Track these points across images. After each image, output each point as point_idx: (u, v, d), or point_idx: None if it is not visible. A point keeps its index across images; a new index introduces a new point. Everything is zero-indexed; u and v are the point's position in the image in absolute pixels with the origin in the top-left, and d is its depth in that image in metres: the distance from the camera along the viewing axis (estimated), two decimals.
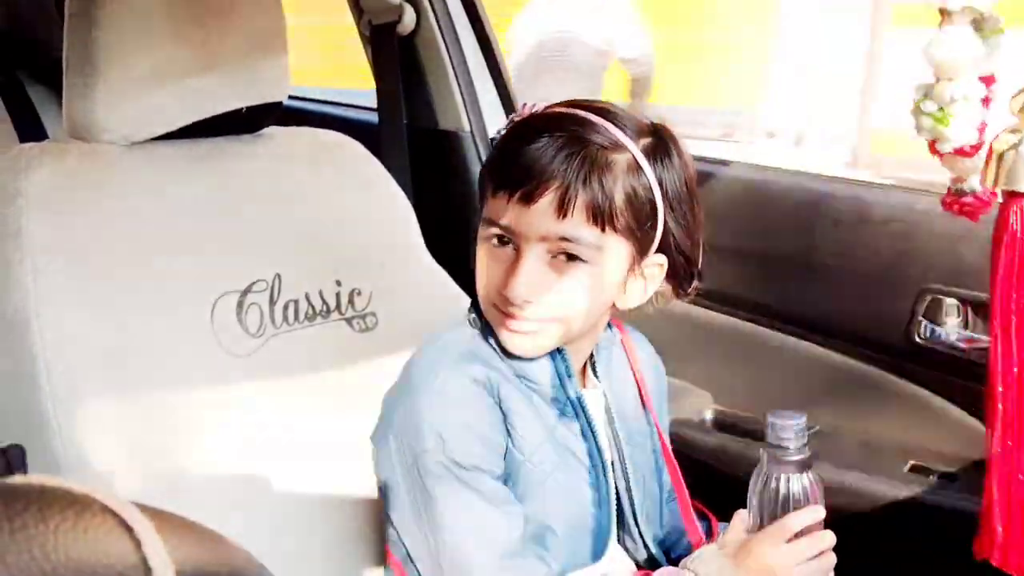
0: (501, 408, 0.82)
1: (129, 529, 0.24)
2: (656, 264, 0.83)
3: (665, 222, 0.80)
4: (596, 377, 0.92)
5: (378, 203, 1.20)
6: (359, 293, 1.11)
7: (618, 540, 0.94)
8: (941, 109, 0.54)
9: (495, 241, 0.80)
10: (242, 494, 0.96)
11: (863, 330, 1.20)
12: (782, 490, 0.77)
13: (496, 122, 1.64)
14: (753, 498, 0.79)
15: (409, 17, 1.56)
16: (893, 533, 1.13)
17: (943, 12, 0.54)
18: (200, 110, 1.03)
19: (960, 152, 0.55)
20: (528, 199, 0.76)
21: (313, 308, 1.07)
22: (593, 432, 0.87)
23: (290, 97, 1.14)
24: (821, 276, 1.22)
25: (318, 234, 1.11)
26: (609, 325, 0.93)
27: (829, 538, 0.80)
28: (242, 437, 0.97)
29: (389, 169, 1.24)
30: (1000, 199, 0.56)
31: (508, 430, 0.82)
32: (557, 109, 0.81)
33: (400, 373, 0.87)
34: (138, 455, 0.91)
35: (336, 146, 1.21)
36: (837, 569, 1.16)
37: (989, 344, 0.57)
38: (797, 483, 0.77)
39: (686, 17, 5.43)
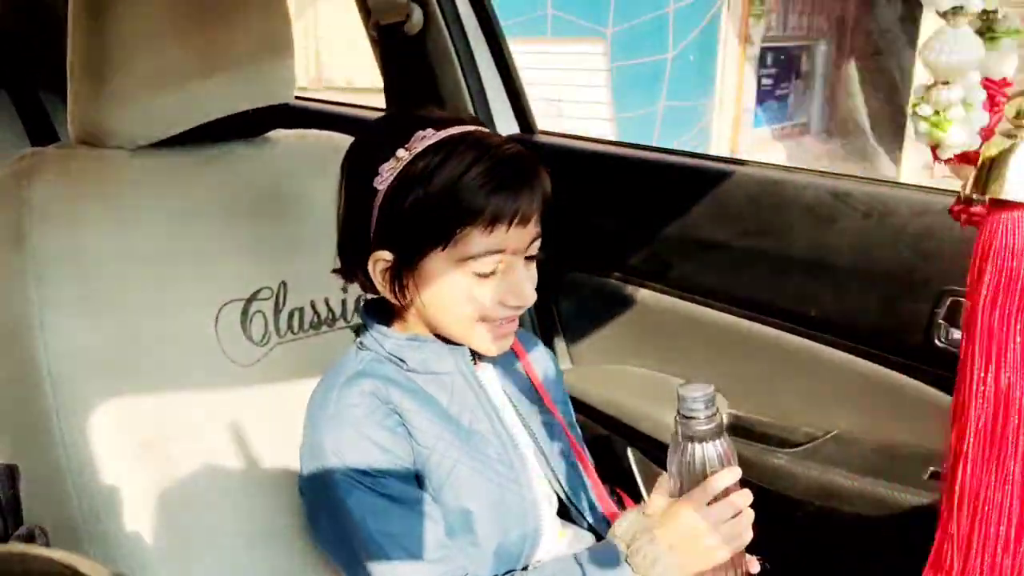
0: (397, 412, 0.86)
1: None
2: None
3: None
4: (485, 365, 0.96)
5: None
6: (366, 301, 1.10)
7: (569, 515, 0.97)
8: (937, 113, 0.52)
9: (486, 272, 0.84)
10: (243, 500, 0.95)
11: (881, 333, 1.17)
12: (698, 456, 0.80)
13: (506, 122, 1.63)
14: (672, 466, 0.82)
15: (417, 17, 1.55)
16: (911, 542, 1.11)
17: (939, 13, 0.51)
18: (206, 113, 1.02)
19: (962, 159, 0.53)
20: (528, 219, 0.84)
21: (319, 316, 1.06)
22: (496, 411, 0.91)
23: (296, 97, 1.13)
24: (838, 277, 1.20)
25: (324, 240, 1.08)
26: None
27: (746, 496, 0.84)
28: (245, 444, 0.96)
29: None
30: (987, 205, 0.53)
31: (408, 431, 0.85)
32: (465, 131, 0.84)
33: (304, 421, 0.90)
34: (140, 464, 0.90)
35: (342, 148, 1.17)
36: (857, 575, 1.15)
37: (960, 366, 0.52)
38: (712, 448, 0.81)
39: None
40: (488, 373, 0.95)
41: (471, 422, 0.89)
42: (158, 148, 1.01)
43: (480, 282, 0.84)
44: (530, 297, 0.86)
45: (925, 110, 0.52)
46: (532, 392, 0.99)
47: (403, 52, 1.61)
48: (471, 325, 0.87)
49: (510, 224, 0.82)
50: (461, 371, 0.91)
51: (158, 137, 1.01)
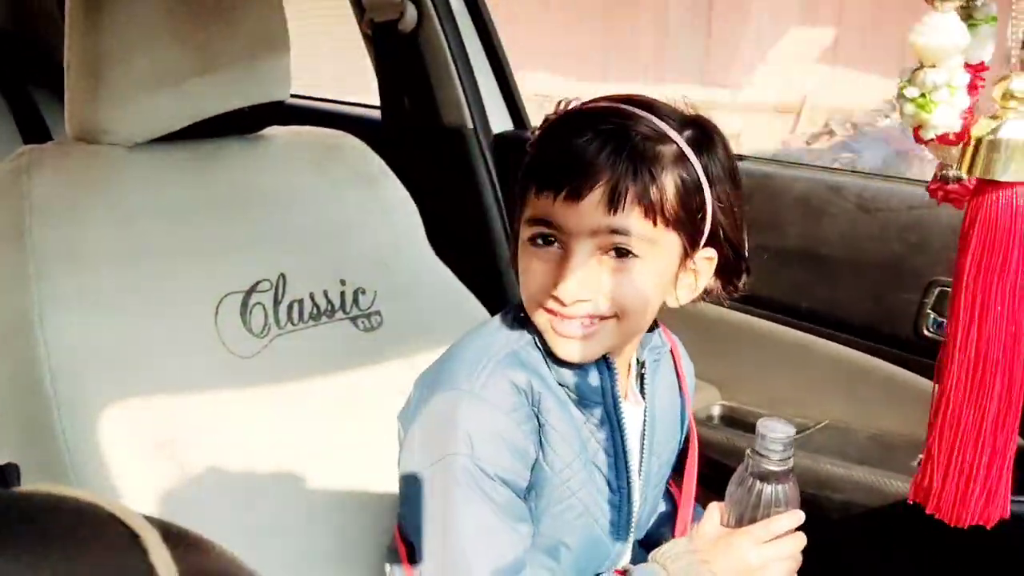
0: (538, 419, 0.80)
1: (135, 537, 0.24)
2: (705, 258, 0.81)
3: (713, 212, 0.78)
4: (642, 394, 0.89)
5: (382, 201, 1.20)
6: (363, 292, 1.11)
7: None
8: (923, 95, 0.54)
9: (540, 240, 0.78)
10: (247, 494, 0.96)
11: (871, 323, 1.19)
12: (764, 495, 0.78)
13: (500, 119, 1.64)
14: (733, 498, 0.80)
15: (411, 15, 1.56)
16: (903, 528, 1.13)
17: None
18: (202, 110, 1.02)
19: (944, 140, 0.55)
20: (577, 195, 0.74)
21: (318, 308, 1.06)
22: (626, 455, 0.85)
23: (292, 95, 1.14)
24: (828, 269, 1.22)
25: (322, 233, 1.10)
26: (656, 333, 0.90)
27: (802, 541, 0.81)
28: (247, 437, 0.97)
29: (392, 167, 1.23)
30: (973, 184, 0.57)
31: (541, 442, 0.80)
32: (597, 104, 0.79)
33: (441, 357, 0.85)
34: (142, 457, 0.91)
35: (339, 145, 1.21)
36: (851, 565, 1.16)
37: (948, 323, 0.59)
38: (780, 490, 0.79)
39: None
40: (633, 408, 0.88)
41: (595, 453, 0.84)
42: (155, 145, 1.02)
43: (535, 257, 0.78)
44: (568, 293, 0.75)
45: (912, 92, 0.54)
46: (675, 412, 0.94)
47: (397, 49, 1.61)
48: (533, 305, 0.80)
49: (556, 193, 0.75)
50: (604, 399, 0.84)
51: (155, 134, 1.01)
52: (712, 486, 0.96)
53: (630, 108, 0.77)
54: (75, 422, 0.88)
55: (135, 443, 0.90)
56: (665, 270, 0.78)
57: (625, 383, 0.87)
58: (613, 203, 0.73)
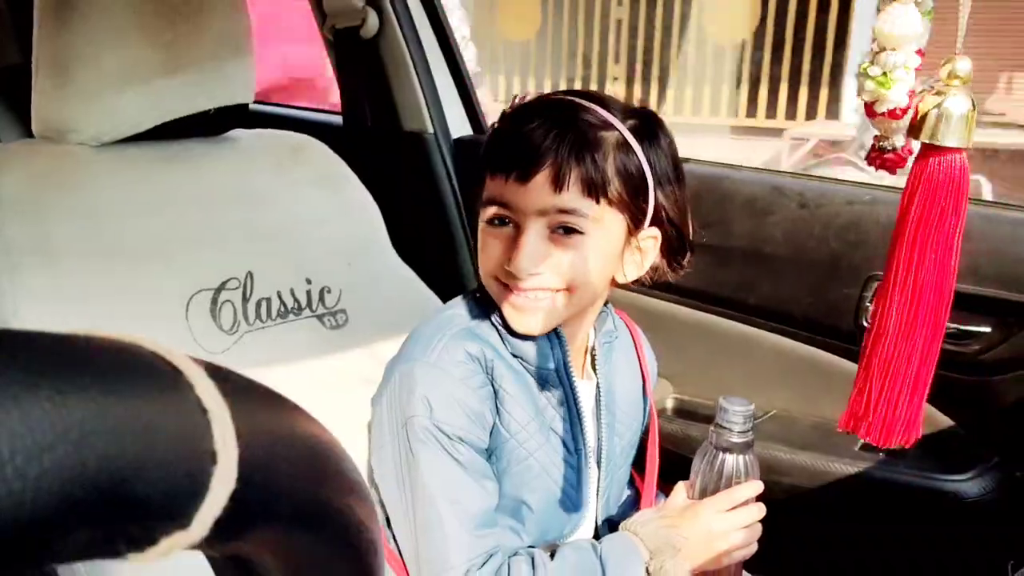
0: (493, 386, 0.86)
1: (179, 373, 0.24)
2: (650, 237, 0.87)
3: (655, 196, 0.84)
4: (594, 371, 0.96)
5: (344, 203, 1.22)
6: (329, 291, 1.13)
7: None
8: (884, 74, 0.63)
9: (495, 221, 0.84)
10: None
11: (814, 317, 1.25)
12: (727, 467, 0.84)
13: (459, 123, 1.67)
14: (698, 472, 0.86)
15: (372, 21, 1.57)
16: (846, 508, 1.19)
17: None
18: (168, 111, 1.03)
19: (891, 114, 0.64)
20: (525, 177, 0.80)
21: (285, 306, 1.08)
22: (581, 421, 0.91)
23: (255, 101, 1.16)
24: (773, 266, 1.27)
25: (288, 233, 1.12)
26: (609, 319, 0.97)
27: (760, 510, 0.87)
28: None
29: (354, 170, 1.25)
30: (915, 153, 0.65)
31: (497, 407, 0.86)
32: (550, 97, 0.86)
33: (404, 341, 0.91)
34: None
35: (301, 147, 1.22)
36: (797, 543, 1.22)
37: (886, 270, 0.66)
38: (740, 461, 0.84)
39: None
40: (586, 384, 0.94)
41: (552, 420, 0.89)
42: (121, 145, 1.03)
43: (492, 235, 0.85)
44: (520, 267, 0.81)
45: (875, 71, 0.63)
46: (635, 394, 1.00)
47: (358, 55, 1.64)
48: (490, 281, 0.86)
49: (507, 175, 0.81)
50: (558, 371, 0.89)
51: (122, 134, 1.02)
52: (668, 477, 1.01)
53: (579, 100, 0.83)
54: None
55: None
56: (610, 247, 0.84)
57: (579, 360, 0.93)
58: (558, 183, 0.79)
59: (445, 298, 1.22)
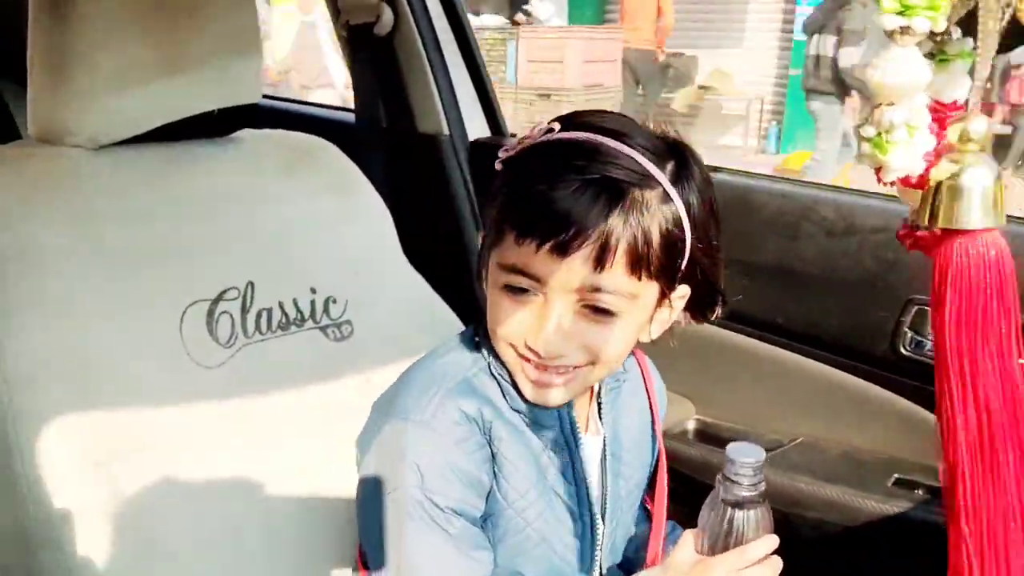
0: (491, 448, 0.78)
1: None
2: (680, 297, 0.79)
3: (692, 252, 0.75)
4: (600, 421, 0.88)
5: (354, 209, 1.18)
6: (334, 301, 1.08)
7: None
8: (879, 135, 0.50)
9: (516, 289, 0.74)
10: (207, 507, 0.93)
11: (848, 341, 1.19)
12: (736, 522, 0.77)
13: (476, 126, 1.63)
14: (706, 525, 0.79)
15: (387, 18, 1.54)
16: (876, 548, 1.12)
17: (886, 33, 0.49)
18: (170, 112, 1.00)
19: (906, 182, 0.52)
20: (564, 250, 0.70)
21: (287, 317, 1.04)
22: (587, 484, 0.84)
23: (264, 96, 1.12)
24: (805, 286, 1.22)
25: (292, 241, 1.08)
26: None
27: (778, 566, 0.80)
28: (209, 449, 0.94)
29: (366, 172, 1.21)
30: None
31: (495, 472, 0.79)
32: (572, 136, 0.74)
33: (396, 382, 0.83)
34: (103, 470, 0.88)
35: (311, 149, 1.18)
36: None
37: (939, 394, 0.55)
38: (752, 516, 0.78)
39: None
40: (592, 438, 0.86)
41: (555, 481, 0.82)
42: (120, 147, 0.99)
43: (508, 301, 0.75)
44: (544, 346, 0.73)
45: (868, 131, 0.51)
46: (643, 439, 0.92)
47: (373, 53, 1.60)
48: (506, 349, 0.77)
49: (540, 245, 0.70)
50: (563, 428, 0.82)
51: (121, 136, 0.99)
52: (686, 503, 0.95)
53: (610, 144, 0.72)
54: (29, 429, 0.85)
55: (91, 450, 0.87)
56: (643, 318, 0.77)
57: (584, 413, 0.86)
58: (601, 261, 0.70)
59: (458, 310, 1.17)
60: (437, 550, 0.76)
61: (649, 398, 0.94)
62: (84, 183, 0.96)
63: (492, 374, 0.80)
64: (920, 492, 1.11)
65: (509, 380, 0.79)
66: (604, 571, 0.90)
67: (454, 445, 0.76)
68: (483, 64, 1.64)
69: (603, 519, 0.88)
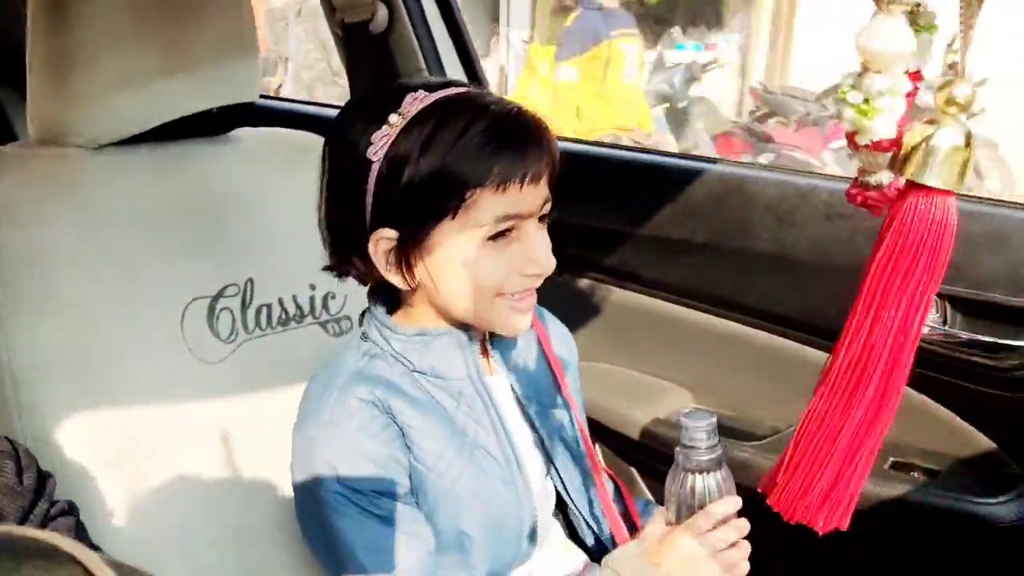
0: (396, 423, 0.81)
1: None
2: None
3: None
4: (495, 364, 0.90)
5: None
6: (333, 297, 1.10)
7: (570, 533, 0.96)
8: (867, 101, 0.52)
9: (501, 234, 0.78)
10: (210, 501, 0.94)
11: (840, 327, 1.19)
12: (697, 487, 0.80)
13: None
14: (671, 495, 0.82)
15: (382, 15, 1.54)
16: (874, 531, 1.13)
17: (877, 1, 0.51)
18: (168, 112, 1.01)
19: (876, 146, 0.54)
20: (539, 177, 0.78)
21: (287, 313, 1.05)
22: (503, 423, 0.86)
23: (261, 96, 1.13)
24: (799, 273, 1.22)
25: (291, 237, 1.09)
26: None
27: (744, 526, 0.83)
28: (212, 444, 0.96)
29: None
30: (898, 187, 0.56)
31: (408, 444, 0.81)
32: (456, 92, 0.79)
33: (300, 400, 0.86)
34: (107, 464, 0.89)
35: (308, 146, 1.18)
36: (819, 566, 1.17)
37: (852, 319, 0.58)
38: (711, 479, 0.81)
39: None
40: (498, 379, 0.89)
41: (475, 434, 0.84)
42: (120, 147, 1.00)
43: (495, 251, 0.78)
44: (549, 263, 0.80)
45: (855, 97, 0.52)
46: (548, 381, 0.94)
47: (368, 50, 1.60)
48: (489, 301, 0.80)
49: (522, 183, 0.76)
50: (471, 376, 0.85)
51: (120, 136, 0.99)
52: None
53: (477, 88, 0.81)
54: (36, 426, 0.87)
55: (97, 447, 0.89)
56: None
57: (485, 358, 0.88)
58: (550, 175, 0.79)
59: None
60: (373, 535, 0.78)
61: (548, 356, 0.95)
62: (87, 183, 0.97)
63: (378, 356, 0.83)
64: (916, 475, 1.12)
65: (402, 352, 0.83)
66: (581, 511, 0.93)
67: (357, 432, 0.79)
68: (478, 61, 1.65)
69: (548, 454, 0.90)
